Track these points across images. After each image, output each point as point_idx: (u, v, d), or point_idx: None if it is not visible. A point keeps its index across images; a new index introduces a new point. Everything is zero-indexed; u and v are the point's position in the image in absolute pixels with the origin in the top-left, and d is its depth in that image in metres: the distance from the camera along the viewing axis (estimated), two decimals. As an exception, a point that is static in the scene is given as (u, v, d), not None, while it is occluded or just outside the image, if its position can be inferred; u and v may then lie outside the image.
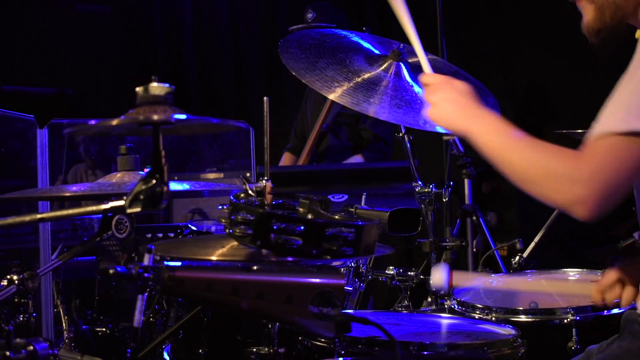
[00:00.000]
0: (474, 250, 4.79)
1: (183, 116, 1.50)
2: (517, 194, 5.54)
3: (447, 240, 3.88)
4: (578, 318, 2.69)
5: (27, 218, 1.58)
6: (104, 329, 4.19)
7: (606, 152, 1.81)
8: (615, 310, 2.77)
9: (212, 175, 6.54)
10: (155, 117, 1.50)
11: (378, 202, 4.43)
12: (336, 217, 1.97)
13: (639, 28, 2.11)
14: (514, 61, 5.29)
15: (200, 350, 2.40)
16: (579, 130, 3.57)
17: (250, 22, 6.81)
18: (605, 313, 2.77)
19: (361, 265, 3.07)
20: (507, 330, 2.40)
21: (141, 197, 1.52)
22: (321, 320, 1.58)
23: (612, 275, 2.34)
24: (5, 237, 4.06)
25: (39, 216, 1.56)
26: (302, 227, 1.81)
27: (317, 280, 1.62)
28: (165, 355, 2.57)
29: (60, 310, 3.90)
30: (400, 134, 3.66)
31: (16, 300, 2.09)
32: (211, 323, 2.40)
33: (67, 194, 2.22)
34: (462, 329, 2.45)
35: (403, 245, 4.71)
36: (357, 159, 5.11)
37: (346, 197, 4.43)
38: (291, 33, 4.61)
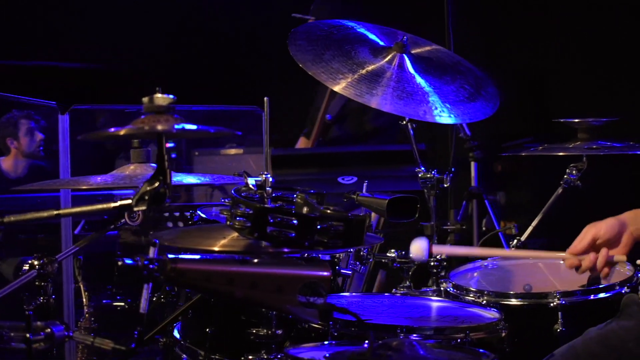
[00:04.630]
0: (484, 229, 4.96)
1: (181, 126, 1.67)
2: (527, 174, 5.71)
3: (449, 223, 4.05)
4: (564, 302, 2.84)
5: (44, 214, 1.76)
6: (122, 304, 4.38)
7: None
8: (602, 295, 2.93)
9: (232, 151, 6.70)
10: (159, 127, 1.67)
11: (385, 184, 4.60)
12: (329, 210, 2.14)
13: None
14: (514, 51, 5.42)
15: (207, 330, 2.58)
16: (576, 120, 3.71)
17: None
18: (591, 297, 2.93)
19: (362, 250, 3.24)
20: (492, 314, 2.57)
21: (146, 197, 1.70)
22: (308, 308, 1.75)
23: (586, 237, 2.38)
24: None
25: (55, 212, 1.75)
26: (296, 221, 1.99)
27: (305, 272, 1.80)
28: (176, 333, 2.76)
29: (81, 285, 4.08)
30: (404, 122, 3.80)
31: (37, 283, 2.28)
32: (218, 304, 2.58)
33: (84, 187, 2.40)
34: (450, 313, 2.61)
35: (406, 227, 4.86)
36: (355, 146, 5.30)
37: (355, 179, 4.60)
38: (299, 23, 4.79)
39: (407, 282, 3.51)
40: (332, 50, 3.36)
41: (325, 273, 1.80)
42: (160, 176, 1.70)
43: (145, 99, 1.72)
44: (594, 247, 2.36)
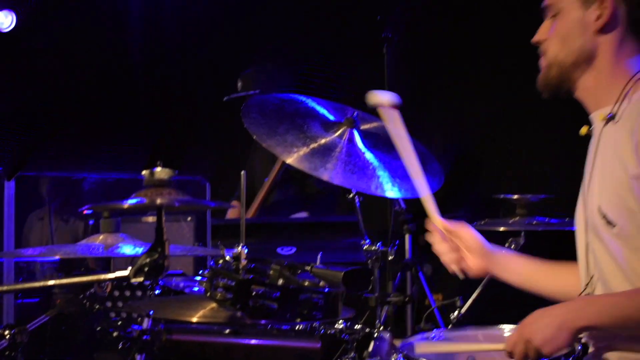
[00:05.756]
0: (406, 299, 5.05)
1: (184, 199, 1.71)
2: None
3: (391, 295, 4.12)
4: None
5: (38, 284, 1.77)
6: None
7: None
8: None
9: (151, 219, 6.66)
10: (159, 200, 1.71)
11: (326, 255, 4.66)
12: (306, 283, 2.19)
13: (586, 108, 2.39)
14: (455, 126, 5.61)
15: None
16: (515, 196, 3.86)
17: (202, 67, 7.01)
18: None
19: (315, 322, 3.28)
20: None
21: (145, 268, 1.72)
22: (299, 379, 1.80)
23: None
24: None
25: (50, 282, 1.75)
26: (278, 293, 2.04)
27: (296, 344, 1.84)
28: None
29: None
30: (351, 195, 3.88)
31: (7, 354, 2.26)
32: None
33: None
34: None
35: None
36: (302, 214, 5.33)
37: (294, 249, 4.64)
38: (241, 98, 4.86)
39: (352, 354, 3.57)
40: (285, 123, 3.43)
41: (315, 344, 1.85)
42: (159, 248, 1.73)
43: (145, 172, 1.76)
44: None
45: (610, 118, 2.26)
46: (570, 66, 2.32)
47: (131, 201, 1.72)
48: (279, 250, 4.62)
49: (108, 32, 6.79)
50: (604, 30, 2.28)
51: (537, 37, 2.42)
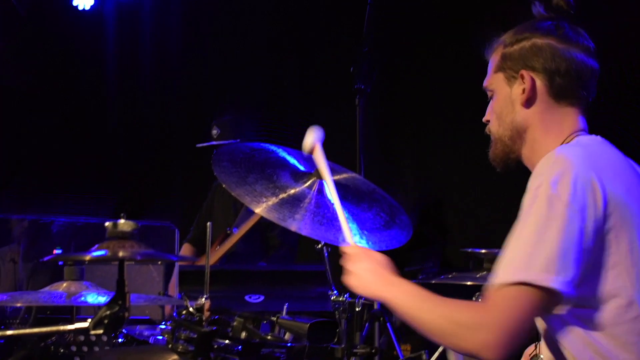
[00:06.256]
0: (373, 351, 5.04)
1: (147, 252, 1.71)
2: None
3: (358, 347, 4.11)
4: None
5: (-4, 334, 1.75)
6: None
7: (503, 300, 2.04)
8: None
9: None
10: (121, 253, 1.71)
11: (293, 304, 4.65)
12: (269, 337, 2.19)
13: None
14: (425, 179, 5.65)
15: None
16: (483, 251, 3.88)
17: (172, 112, 7.05)
18: None
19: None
20: None
21: (105, 321, 1.72)
22: None
23: None
24: None
25: (8, 332, 1.74)
26: (240, 347, 2.03)
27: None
28: None
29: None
30: (320, 245, 3.88)
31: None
32: None
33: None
34: None
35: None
36: (261, 265, 5.34)
37: (262, 297, 4.62)
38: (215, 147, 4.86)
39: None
40: (255, 173, 3.43)
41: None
42: (120, 300, 1.72)
43: (108, 224, 1.76)
44: None
45: None
46: (509, 141, 2.43)
47: (94, 253, 1.72)
48: (246, 297, 4.61)
49: (81, 77, 6.83)
50: (529, 102, 2.38)
51: (484, 118, 2.54)
